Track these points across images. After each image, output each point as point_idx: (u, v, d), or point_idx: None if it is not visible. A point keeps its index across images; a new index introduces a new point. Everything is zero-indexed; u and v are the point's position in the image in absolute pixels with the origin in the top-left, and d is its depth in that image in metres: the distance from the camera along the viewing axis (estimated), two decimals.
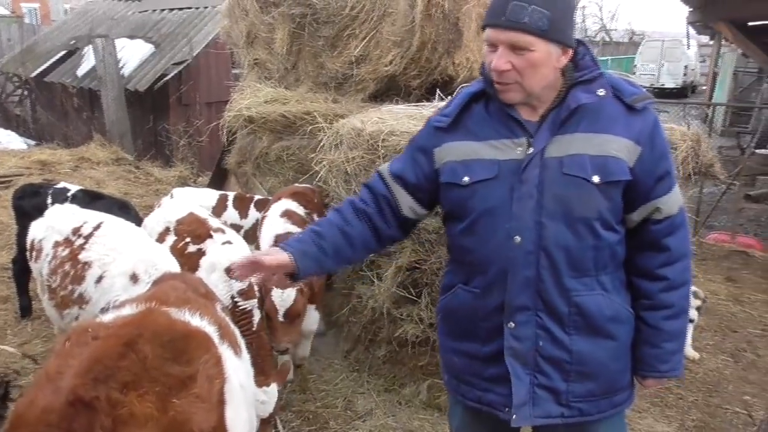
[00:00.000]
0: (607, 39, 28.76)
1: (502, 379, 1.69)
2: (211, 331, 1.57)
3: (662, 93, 19.80)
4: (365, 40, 4.75)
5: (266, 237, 3.47)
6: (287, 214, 3.61)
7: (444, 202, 1.78)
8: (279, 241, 2.97)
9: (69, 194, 4.11)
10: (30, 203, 4.16)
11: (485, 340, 1.70)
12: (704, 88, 18.12)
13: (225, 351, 1.56)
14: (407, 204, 1.80)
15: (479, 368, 1.74)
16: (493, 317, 1.67)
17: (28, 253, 3.12)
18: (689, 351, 4.02)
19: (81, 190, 4.22)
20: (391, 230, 1.82)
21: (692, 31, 16.21)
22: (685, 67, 22.76)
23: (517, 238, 1.59)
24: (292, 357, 3.41)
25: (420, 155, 1.77)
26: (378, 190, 1.82)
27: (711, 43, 16.57)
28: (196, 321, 1.54)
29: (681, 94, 21.52)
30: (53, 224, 2.96)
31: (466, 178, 1.66)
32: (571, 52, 1.59)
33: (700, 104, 13.98)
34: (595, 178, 1.56)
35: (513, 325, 1.64)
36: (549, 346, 1.64)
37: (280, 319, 2.85)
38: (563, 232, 1.58)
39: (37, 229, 3.06)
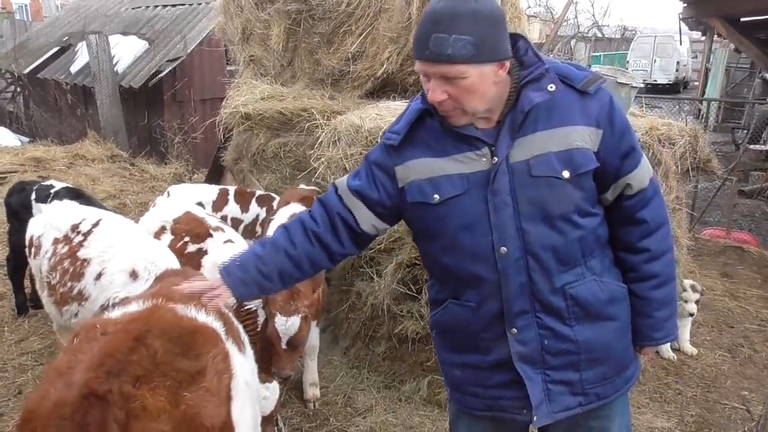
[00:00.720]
0: (599, 35, 28.82)
1: (511, 384, 1.68)
2: (218, 327, 1.57)
3: (655, 89, 19.87)
4: (361, 37, 4.74)
5: None
6: None
7: (415, 221, 1.74)
8: None
9: (52, 191, 4.08)
10: (15, 200, 4.15)
11: (488, 350, 1.69)
12: (696, 83, 18.21)
13: (231, 347, 1.56)
14: (368, 221, 1.75)
15: (485, 377, 1.72)
16: (493, 327, 1.66)
17: (27, 250, 3.10)
18: (687, 346, 4.05)
19: (64, 188, 4.19)
20: (344, 248, 1.78)
21: (684, 27, 16.26)
22: (677, 63, 22.86)
23: (503, 249, 1.58)
24: (304, 384, 3.35)
25: (379, 172, 1.72)
26: (333, 206, 1.77)
27: (703, 38, 16.62)
28: (203, 317, 1.54)
29: (673, 89, 21.63)
30: (52, 221, 2.95)
31: (436, 196, 1.62)
32: (508, 62, 1.56)
33: (693, 99, 14.06)
34: (565, 174, 1.56)
35: (516, 330, 1.64)
36: (554, 343, 1.64)
37: (283, 346, 2.70)
38: (546, 232, 1.58)
39: (35, 226, 3.04)
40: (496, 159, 1.57)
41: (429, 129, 1.65)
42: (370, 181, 1.73)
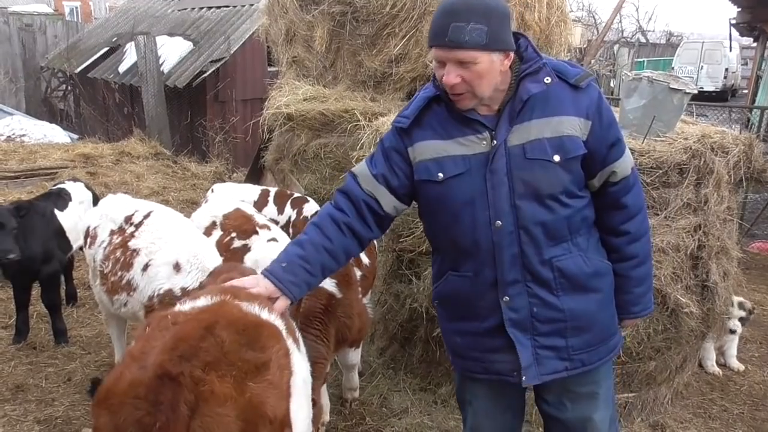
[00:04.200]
0: (644, 40, 28.11)
1: (504, 348, 1.85)
2: (279, 324, 1.61)
3: (701, 96, 19.19)
4: (405, 39, 4.75)
5: None
6: None
7: (421, 198, 1.91)
8: None
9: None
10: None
11: (484, 316, 1.86)
12: (745, 91, 17.56)
13: (291, 345, 1.59)
14: (391, 203, 1.91)
15: (481, 343, 1.90)
16: (488, 295, 1.83)
17: (82, 240, 3.22)
18: (734, 362, 3.91)
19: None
20: (372, 232, 1.94)
21: (735, 33, 15.71)
22: (726, 69, 22.08)
23: (498, 222, 1.76)
24: (343, 389, 3.32)
25: (394, 154, 1.88)
26: (356, 194, 1.90)
27: (754, 45, 16.04)
28: (265, 315, 1.58)
29: (720, 97, 20.87)
30: (107, 212, 3.06)
31: (440, 175, 1.80)
32: (512, 54, 1.73)
33: (742, 107, 13.55)
34: (556, 158, 1.73)
35: (507, 298, 1.81)
36: (543, 310, 1.81)
37: None
38: (536, 209, 1.75)
39: (92, 217, 3.16)
40: (495, 142, 1.75)
41: (436, 114, 1.82)
42: (388, 167, 1.89)
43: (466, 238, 1.81)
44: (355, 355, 3.11)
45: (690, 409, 3.43)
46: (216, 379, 1.31)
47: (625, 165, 1.83)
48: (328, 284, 2.75)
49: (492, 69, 1.68)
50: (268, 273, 1.81)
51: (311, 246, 1.85)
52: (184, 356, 1.32)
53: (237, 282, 1.78)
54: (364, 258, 3.14)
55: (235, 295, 1.63)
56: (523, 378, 1.85)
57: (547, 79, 1.73)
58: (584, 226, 1.85)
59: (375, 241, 3.50)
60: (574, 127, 1.74)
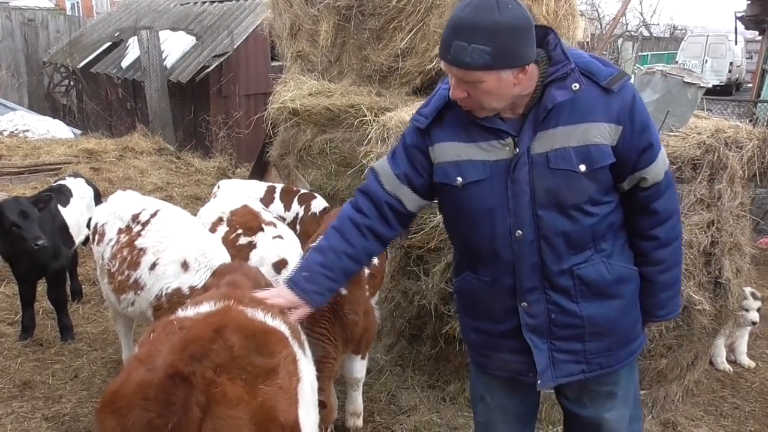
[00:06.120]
0: (647, 34, 27.91)
1: (520, 350, 1.82)
2: (285, 330, 1.58)
3: (705, 90, 19.09)
4: (411, 33, 4.70)
5: None
6: None
7: (439, 199, 1.88)
8: None
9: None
10: None
11: (501, 319, 1.83)
12: (750, 85, 17.44)
13: (297, 351, 1.57)
14: (414, 202, 1.87)
15: (497, 343, 1.88)
16: (505, 300, 1.80)
17: (91, 237, 3.19)
18: (744, 359, 3.87)
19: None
20: (394, 231, 1.92)
21: (740, 27, 15.57)
22: (731, 63, 21.92)
23: (519, 232, 1.71)
24: (345, 413, 3.05)
25: (416, 153, 1.82)
26: (379, 196, 1.87)
27: (759, 38, 15.91)
28: (270, 320, 1.56)
29: (725, 92, 20.71)
30: (115, 210, 3.03)
31: (459, 179, 1.74)
32: (529, 66, 1.59)
33: (747, 101, 13.45)
34: (582, 167, 1.64)
35: (526, 304, 1.77)
36: (561, 317, 1.77)
37: None
38: (559, 220, 1.69)
39: (100, 214, 3.13)
40: (518, 150, 1.67)
41: (457, 114, 1.74)
42: (411, 165, 1.83)
43: (484, 247, 1.77)
44: (360, 366, 2.95)
45: (701, 407, 3.40)
46: (227, 381, 1.28)
47: (656, 170, 1.73)
48: None
49: (501, 86, 1.58)
50: (292, 284, 1.83)
51: (332, 253, 1.85)
52: (196, 357, 1.29)
53: (260, 294, 1.77)
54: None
55: (238, 300, 1.60)
56: (539, 381, 1.82)
57: (575, 86, 1.62)
58: (610, 231, 1.77)
59: None
60: (603, 134, 1.64)
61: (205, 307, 1.55)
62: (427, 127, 1.77)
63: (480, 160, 1.70)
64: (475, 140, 1.71)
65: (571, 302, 1.75)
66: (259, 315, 1.55)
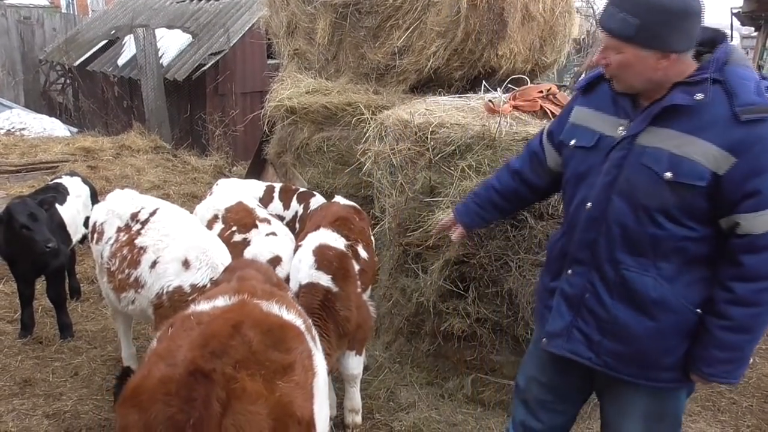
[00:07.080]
0: None
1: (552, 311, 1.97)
2: (299, 324, 1.59)
3: None
4: (408, 31, 4.71)
5: (292, 281, 2.85)
6: (319, 254, 2.83)
7: (562, 157, 2.06)
8: (302, 289, 2.73)
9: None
10: None
11: (553, 276, 1.99)
12: None
13: (311, 345, 1.59)
14: (551, 156, 2.09)
15: (544, 297, 2.03)
16: (560, 260, 1.95)
17: (89, 236, 3.20)
18: None
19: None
20: (539, 180, 2.16)
21: (735, 23, 15.60)
22: None
23: (589, 204, 1.81)
24: (344, 410, 3.08)
25: (566, 112, 2.03)
26: (531, 145, 2.19)
27: (755, 34, 15.94)
28: (286, 314, 1.57)
29: None
30: (114, 208, 3.04)
31: (573, 141, 1.91)
32: (674, 55, 1.62)
33: None
34: (667, 174, 1.65)
35: (570, 272, 1.90)
36: (593, 301, 1.84)
37: None
38: (625, 212, 1.74)
39: (98, 213, 3.13)
40: (625, 133, 1.75)
41: (604, 87, 1.87)
42: (559, 122, 2.05)
43: (569, 205, 1.93)
44: (357, 363, 2.95)
45: (698, 402, 3.43)
46: (247, 377, 1.30)
47: (757, 223, 1.62)
48: (324, 280, 2.74)
49: (639, 63, 1.63)
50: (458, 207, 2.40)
51: (484, 186, 2.32)
52: (216, 353, 1.32)
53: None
54: (363, 252, 3.11)
55: (251, 292, 1.61)
56: (543, 340, 1.96)
57: (699, 96, 1.61)
58: (677, 257, 1.72)
59: (373, 237, 3.49)
60: (706, 155, 1.60)
61: (221, 302, 1.57)
62: (582, 89, 1.95)
63: (595, 130, 1.84)
64: (601, 110, 1.84)
65: (607, 294, 1.81)
66: (275, 308, 1.57)
